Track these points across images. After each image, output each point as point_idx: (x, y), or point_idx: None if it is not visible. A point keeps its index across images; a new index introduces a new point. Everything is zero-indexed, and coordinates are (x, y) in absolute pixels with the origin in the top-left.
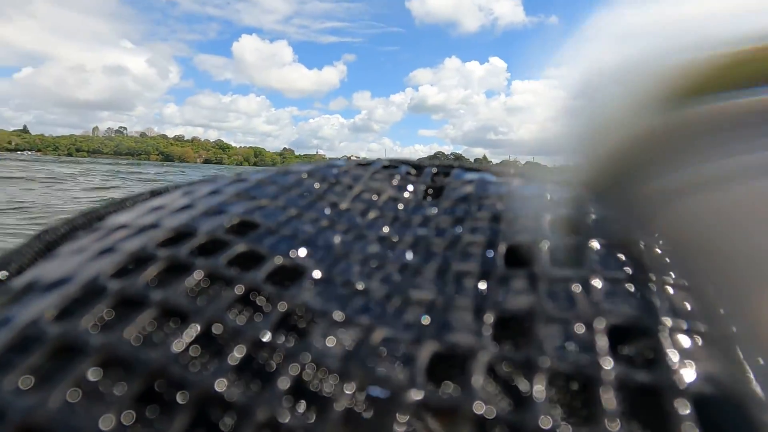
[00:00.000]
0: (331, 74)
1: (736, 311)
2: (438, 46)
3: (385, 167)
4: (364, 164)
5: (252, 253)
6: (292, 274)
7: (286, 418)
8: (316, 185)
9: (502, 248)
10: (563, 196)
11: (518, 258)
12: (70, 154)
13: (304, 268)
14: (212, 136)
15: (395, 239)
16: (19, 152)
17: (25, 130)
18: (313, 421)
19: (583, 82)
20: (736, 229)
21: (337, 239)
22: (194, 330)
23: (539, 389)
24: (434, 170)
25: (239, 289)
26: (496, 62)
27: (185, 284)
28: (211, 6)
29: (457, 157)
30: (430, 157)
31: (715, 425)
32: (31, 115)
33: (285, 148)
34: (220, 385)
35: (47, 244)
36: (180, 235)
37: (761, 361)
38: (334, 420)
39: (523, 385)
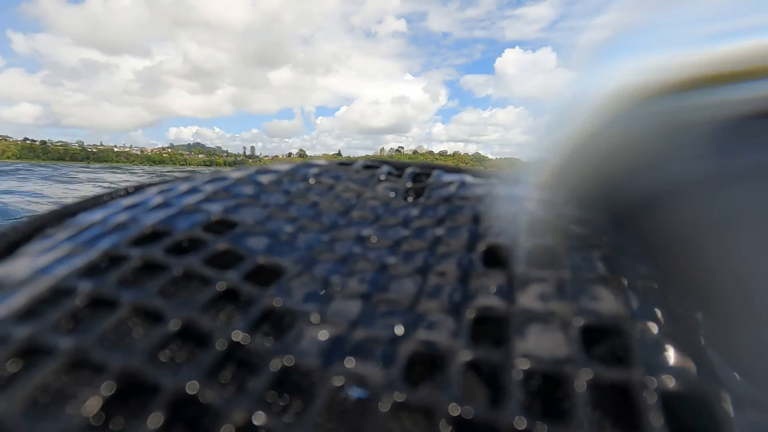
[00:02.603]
0: None
1: (709, 313)
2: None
3: (366, 167)
4: (345, 164)
5: (230, 252)
6: (271, 273)
7: (262, 420)
8: (296, 184)
9: (481, 249)
10: (541, 198)
11: (496, 258)
12: None
13: (282, 268)
14: (471, 149)
15: (375, 239)
16: None
17: (338, 154)
18: (290, 422)
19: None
20: (717, 234)
21: (316, 239)
22: (168, 330)
23: (515, 389)
24: (415, 171)
25: (217, 288)
26: None
27: (160, 283)
28: (478, 29)
29: None
30: None
31: (682, 421)
32: (344, 141)
33: None
34: (192, 388)
35: (10, 244)
36: (156, 233)
37: (727, 360)
38: (312, 420)
39: (499, 384)
